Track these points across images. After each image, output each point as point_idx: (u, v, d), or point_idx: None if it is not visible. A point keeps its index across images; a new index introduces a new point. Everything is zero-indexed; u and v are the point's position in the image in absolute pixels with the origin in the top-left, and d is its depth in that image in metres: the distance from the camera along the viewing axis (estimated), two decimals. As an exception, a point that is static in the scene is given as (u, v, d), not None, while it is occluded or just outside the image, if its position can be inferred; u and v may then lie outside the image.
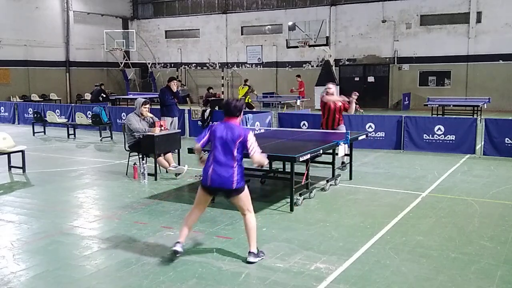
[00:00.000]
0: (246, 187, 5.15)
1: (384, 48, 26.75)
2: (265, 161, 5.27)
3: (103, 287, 4.65)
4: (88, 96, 27.39)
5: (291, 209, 6.99)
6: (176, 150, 9.84)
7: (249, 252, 5.14)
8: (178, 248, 5.16)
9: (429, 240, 5.80)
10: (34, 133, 16.11)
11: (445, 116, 18.31)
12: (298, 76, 24.53)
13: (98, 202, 7.79)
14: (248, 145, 4.97)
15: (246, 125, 12.58)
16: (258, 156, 5.04)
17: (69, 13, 30.10)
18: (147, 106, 9.34)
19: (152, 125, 9.24)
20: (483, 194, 7.93)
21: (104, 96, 23.62)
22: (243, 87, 21.64)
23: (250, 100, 21.16)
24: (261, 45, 29.47)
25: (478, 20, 24.39)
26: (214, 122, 5.28)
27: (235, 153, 4.98)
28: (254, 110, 19.23)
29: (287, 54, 29.01)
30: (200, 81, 31.97)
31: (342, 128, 9.66)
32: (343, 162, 9.70)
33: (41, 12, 28.79)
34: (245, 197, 5.13)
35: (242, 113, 5.19)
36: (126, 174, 9.55)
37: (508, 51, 23.71)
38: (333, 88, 9.86)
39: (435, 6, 25.25)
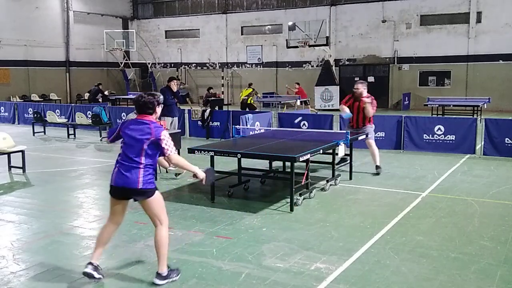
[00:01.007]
0: (158, 193, 4.60)
1: (384, 48, 26.76)
2: (199, 174, 4.81)
3: (103, 287, 4.65)
4: (87, 95, 27.37)
5: (291, 209, 6.99)
6: (176, 150, 9.82)
7: (157, 273, 4.56)
8: (89, 270, 4.54)
9: (429, 240, 5.79)
10: (34, 133, 16.11)
11: (445, 116, 18.31)
12: (297, 83, 24.37)
13: (98, 202, 7.79)
14: (162, 144, 4.47)
15: (246, 125, 12.58)
16: (176, 156, 4.56)
17: (69, 13, 30.12)
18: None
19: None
20: (483, 194, 7.93)
21: (102, 96, 23.62)
22: (247, 89, 21.63)
23: (252, 101, 21.16)
24: (261, 45, 29.48)
25: (478, 20, 24.40)
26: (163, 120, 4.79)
27: (143, 153, 4.47)
28: (256, 110, 19.24)
29: (287, 54, 29.02)
30: (200, 81, 31.97)
31: (369, 129, 9.60)
32: (343, 159, 9.66)
33: (41, 12, 28.79)
34: (156, 204, 4.56)
35: (158, 109, 4.62)
36: (126, 174, 9.54)
37: (508, 51, 23.71)
38: (361, 88, 9.63)
39: (435, 6, 25.26)
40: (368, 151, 9.85)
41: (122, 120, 14.53)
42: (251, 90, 21.36)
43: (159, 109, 4.67)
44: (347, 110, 9.59)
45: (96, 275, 4.58)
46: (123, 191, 4.53)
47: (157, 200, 4.59)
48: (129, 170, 4.48)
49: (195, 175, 4.84)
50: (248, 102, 20.85)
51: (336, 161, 8.76)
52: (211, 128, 15.03)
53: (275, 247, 5.56)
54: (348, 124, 10.00)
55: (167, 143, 4.50)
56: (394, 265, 5.05)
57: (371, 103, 9.48)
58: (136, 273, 4.87)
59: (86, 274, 4.57)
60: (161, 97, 4.73)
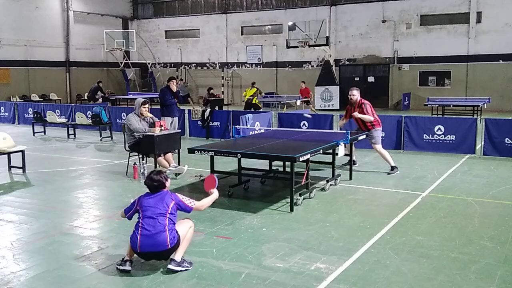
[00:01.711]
0: (179, 236, 4.93)
1: (384, 48, 26.76)
2: (217, 195, 5.45)
3: (103, 287, 4.65)
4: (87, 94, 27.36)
5: (291, 209, 6.99)
6: (176, 150, 9.84)
7: (171, 259, 4.89)
8: (128, 267, 4.92)
9: (429, 240, 5.80)
10: (34, 133, 16.11)
11: (445, 116, 18.31)
12: (303, 82, 24.15)
13: (98, 202, 7.79)
14: (184, 202, 5.03)
15: (246, 125, 12.58)
16: (199, 204, 5.16)
17: (69, 13, 30.11)
18: (147, 106, 9.34)
19: (152, 125, 9.24)
20: (483, 194, 7.93)
21: (103, 95, 23.59)
22: (250, 89, 21.55)
23: (257, 101, 21.13)
24: (261, 45, 29.47)
25: (478, 20, 24.40)
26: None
27: (168, 217, 4.89)
28: (261, 110, 19.21)
29: (287, 54, 29.02)
30: (200, 81, 31.98)
31: (374, 133, 9.59)
32: (354, 160, 9.66)
33: (41, 12, 28.79)
34: (182, 235, 4.96)
35: (167, 183, 5.08)
36: (126, 174, 9.55)
37: (508, 51, 23.71)
38: (356, 95, 9.64)
39: (435, 6, 25.25)
40: (367, 150, 9.85)
41: (124, 121, 14.57)
42: (255, 89, 21.33)
43: (168, 183, 5.12)
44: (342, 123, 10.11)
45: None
46: (151, 255, 4.91)
47: (182, 238, 4.99)
48: (155, 239, 4.79)
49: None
50: (254, 102, 20.81)
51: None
52: (211, 128, 15.03)
53: (275, 247, 5.56)
54: (357, 127, 9.97)
55: (186, 199, 5.09)
56: (394, 265, 5.05)
57: (363, 110, 9.43)
58: (136, 273, 4.88)
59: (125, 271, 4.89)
60: (168, 172, 5.28)
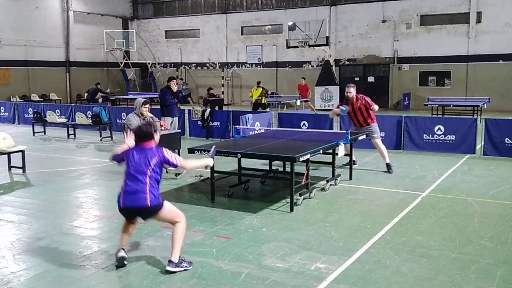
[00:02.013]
0: (165, 202, 5.01)
1: (384, 48, 26.75)
2: (209, 163, 5.44)
3: (103, 287, 4.65)
4: (86, 95, 27.34)
5: (291, 209, 6.99)
6: (176, 150, 9.84)
7: (169, 261, 4.91)
8: (122, 253, 5.05)
9: (429, 240, 5.80)
10: (34, 133, 16.11)
11: (445, 116, 18.31)
12: (303, 78, 24.19)
13: (98, 202, 7.79)
14: (168, 158, 4.97)
15: (246, 125, 12.59)
16: (184, 163, 5.14)
17: (69, 13, 30.11)
18: (147, 106, 9.32)
19: (152, 125, 9.22)
20: (483, 194, 7.93)
21: (102, 96, 23.56)
22: (256, 89, 21.50)
23: (265, 101, 21.10)
24: (261, 45, 29.44)
25: (478, 20, 24.39)
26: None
27: (149, 174, 4.90)
28: (267, 110, 19.18)
29: (287, 54, 29.01)
30: (200, 81, 31.97)
31: (373, 128, 9.65)
32: (354, 161, 9.70)
33: (41, 12, 28.79)
34: (168, 211, 5.01)
35: (155, 135, 5.12)
36: (126, 174, 9.54)
37: (508, 51, 23.71)
38: (353, 92, 9.69)
39: (435, 6, 25.25)
40: (367, 150, 9.86)
41: (124, 121, 14.57)
42: (261, 89, 21.32)
43: (157, 136, 5.15)
44: (341, 106, 9.78)
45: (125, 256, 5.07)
46: (132, 210, 4.95)
47: (166, 208, 5.00)
48: (136, 192, 4.85)
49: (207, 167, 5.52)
50: (262, 102, 20.79)
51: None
52: (211, 128, 15.03)
53: (275, 247, 5.56)
54: (352, 125, 10.00)
55: (171, 156, 5.01)
56: (394, 265, 5.05)
57: (368, 101, 9.55)
58: (136, 273, 4.88)
59: (121, 258, 5.01)
60: (158, 125, 5.32)
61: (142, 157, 4.93)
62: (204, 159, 5.47)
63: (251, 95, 21.71)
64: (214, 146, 5.97)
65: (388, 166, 9.68)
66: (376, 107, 9.56)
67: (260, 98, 20.83)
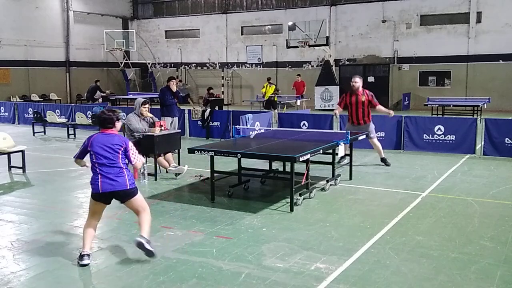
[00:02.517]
0: (137, 188, 5.30)
1: (384, 48, 26.75)
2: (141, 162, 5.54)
3: (103, 287, 4.65)
4: (86, 94, 27.30)
5: (291, 209, 6.99)
6: (176, 150, 9.84)
7: (141, 235, 5.12)
8: (87, 261, 5.08)
9: (429, 240, 5.80)
10: (34, 133, 16.11)
11: (445, 116, 18.30)
12: (299, 75, 24.51)
13: (98, 202, 7.77)
14: (130, 154, 5.22)
15: (246, 125, 12.58)
16: (139, 164, 5.37)
17: (69, 13, 30.11)
18: (147, 106, 9.33)
19: (152, 125, 9.24)
20: (483, 194, 7.93)
21: (103, 94, 23.50)
22: (269, 85, 21.46)
23: (276, 99, 21.11)
24: (261, 45, 29.43)
25: (478, 20, 24.39)
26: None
27: (120, 158, 5.17)
28: (264, 110, 19.19)
29: (287, 54, 29.01)
30: (200, 81, 31.97)
31: (370, 127, 9.72)
32: (342, 157, 9.74)
33: (41, 12, 28.79)
34: (140, 198, 5.30)
35: (117, 124, 5.32)
36: (126, 174, 9.54)
37: (508, 51, 23.71)
38: (359, 82, 9.76)
39: (435, 6, 25.25)
40: (367, 150, 9.89)
41: (124, 121, 14.56)
42: (274, 87, 21.34)
43: (118, 124, 5.34)
44: (337, 112, 10.12)
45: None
46: (111, 195, 5.18)
47: (140, 194, 5.32)
48: (114, 176, 5.11)
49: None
50: (275, 99, 20.80)
51: (337, 159, 8.77)
52: (211, 128, 15.03)
53: (275, 247, 5.56)
54: (348, 121, 10.04)
55: (134, 153, 5.26)
56: (394, 265, 5.05)
57: (373, 99, 9.70)
58: (136, 273, 4.88)
59: (84, 265, 5.05)
60: (121, 114, 5.56)
61: (109, 149, 5.13)
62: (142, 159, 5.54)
63: (264, 91, 21.67)
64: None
65: (384, 159, 9.91)
66: (382, 107, 9.80)
67: (273, 95, 20.83)
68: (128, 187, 5.13)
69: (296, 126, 13.03)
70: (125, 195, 5.17)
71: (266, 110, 18.21)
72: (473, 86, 24.72)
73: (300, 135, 9.43)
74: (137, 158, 5.29)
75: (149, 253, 5.08)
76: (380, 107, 9.96)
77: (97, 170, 5.15)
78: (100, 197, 5.19)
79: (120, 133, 5.46)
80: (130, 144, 5.28)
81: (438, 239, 5.84)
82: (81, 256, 5.06)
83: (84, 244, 5.14)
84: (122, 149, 5.18)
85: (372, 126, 9.91)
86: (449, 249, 5.49)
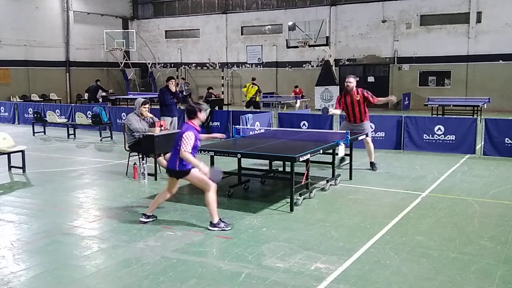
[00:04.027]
0: (193, 170, 6.06)
1: (384, 48, 26.75)
2: (196, 164, 6.02)
3: (103, 287, 4.65)
4: (86, 95, 27.27)
5: (291, 209, 6.99)
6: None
7: (210, 222, 6.10)
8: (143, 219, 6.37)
9: (429, 240, 5.80)
10: (34, 133, 16.11)
11: (445, 116, 18.30)
12: (296, 86, 25.02)
13: (98, 202, 7.79)
14: (183, 141, 5.96)
15: (246, 125, 12.58)
16: (184, 153, 5.92)
17: (69, 13, 30.11)
18: (147, 106, 9.33)
19: (152, 125, 9.24)
20: (483, 194, 7.93)
21: (104, 94, 23.46)
22: (252, 86, 21.44)
23: (258, 99, 21.09)
24: (261, 45, 29.47)
25: (478, 20, 24.40)
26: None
27: (177, 149, 6.06)
28: (259, 110, 19.14)
29: (287, 54, 29.02)
30: (200, 81, 31.97)
31: (367, 126, 9.72)
32: (343, 158, 9.75)
33: (41, 12, 28.79)
34: (194, 178, 6.13)
35: (199, 115, 6.16)
36: (126, 174, 9.55)
37: (508, 51, 23.71)
38: (353, 82, 9.70)
39: (435, 6, 25.26)
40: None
41: (124, 121, 14.57)
42: (257, 88, 21.32)
43: (201, 114, 6.18)
44: (337, 112, 9.95)
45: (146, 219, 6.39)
46: (169, 171, 6.30)
47: (193, 175, 6.11)
48: (172, 158, 6.15)
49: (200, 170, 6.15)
50: (257, 100, 20.78)
51: (337, 162, 8.78)
52: (211, 128, 15.02)
53: (275, 247, 5.56)
54: (345, 119, 10.03)
55: (183, 142, 5.95)
56: (394, 265, 5.05)
57: (369, 96, 9.63)
58: (136, 273, 4.88)
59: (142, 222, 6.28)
60: (204, 105, 6.38)
61: (179, 135, 6.10)
62: (204, 166, 6.04)
63: (245, 91, 21.64)
64: (220, 171, 6.40)
65: (372, 164, 9.83)
66: (381, 98, 9.90)
67: (254, 96, 20.83)
68: (177, 168, 6.10)
69: (296, 126, 13.03)
70: (176, 174, 6.23)
71: (248, 110, 18.16)
72: (473, 86, 24.72)
73: (300, 135, 9.43)
74: (183, 149, 5.93)
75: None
76: (379, 99, 9.86)
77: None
78: (167, 172, 6.45)
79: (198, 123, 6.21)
80: (186, 134, 5.98)
81: (438, 239, 5.84)
82: (142, 215, 6.44)
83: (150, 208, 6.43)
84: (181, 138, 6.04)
85: (368, 125, 9.89)
86: (449, 249, 5.49)
